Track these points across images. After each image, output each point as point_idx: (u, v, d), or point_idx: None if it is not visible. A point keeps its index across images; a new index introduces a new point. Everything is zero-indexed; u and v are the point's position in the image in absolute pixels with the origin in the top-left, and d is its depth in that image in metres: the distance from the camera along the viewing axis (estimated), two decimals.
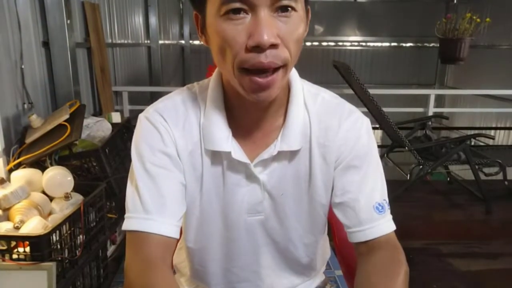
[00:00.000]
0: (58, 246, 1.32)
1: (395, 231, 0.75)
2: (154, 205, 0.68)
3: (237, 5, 0.58)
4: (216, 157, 0.73)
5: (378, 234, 0.72)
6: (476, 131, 4.32)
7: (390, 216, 0.75)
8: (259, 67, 0.60)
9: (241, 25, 0.59)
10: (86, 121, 1.95)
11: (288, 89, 0.73)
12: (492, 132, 4.83)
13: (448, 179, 3.36)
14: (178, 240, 0.73)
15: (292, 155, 0.74)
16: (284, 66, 0.62)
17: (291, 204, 0.77)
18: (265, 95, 0.63)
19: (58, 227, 1.30)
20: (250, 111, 0.71)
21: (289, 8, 0.59)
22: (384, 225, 0.73)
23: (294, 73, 0.74)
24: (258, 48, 0.58)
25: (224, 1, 0.58)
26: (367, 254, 0.72)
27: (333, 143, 0.73)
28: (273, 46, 0.59)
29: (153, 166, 0.70)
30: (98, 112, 2.85)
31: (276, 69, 0.61)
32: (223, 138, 0.71)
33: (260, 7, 0.58)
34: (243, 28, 0.59)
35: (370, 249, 0.72)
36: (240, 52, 0.60)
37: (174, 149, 0.71)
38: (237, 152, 0.71)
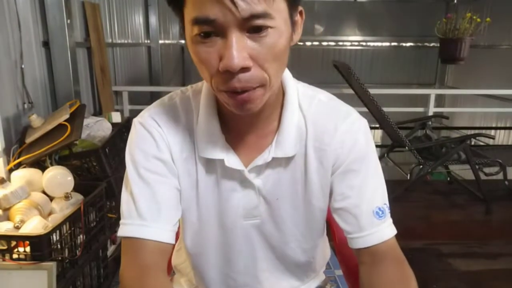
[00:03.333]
0: (58, 246, 1.32)
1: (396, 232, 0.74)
2: (149, 211, 0.68)
3: (206, 28, 0.55)
4: (210, 163, 0.72)
5: (379, 240, 0.71)
6: (476, 131, 4.31)
7: (391, 220, 0.74)
8: (234, 91, 0.58)
9: (212, 47, 0.56)
10: (86, 121, 1.95)
11: (282, 92, 0.72)
12: (492, 132, 4.83)
13: (448, 179, 3.36)
14: (174, 245, 0.73)
15: (287, 160, 0.73)
16: (263, 85, 0.59)
17: (288, 209, 0.76)
18: (248, 108, 0.61)
19: (58, 227, 1.30)
20: (242, 116, 0.69)
21: (263, 28, 0.56)
22: (384, 230, 0.72)
23: (287, 76, 0.73)
24: (229, 73, 0.56)
25: (194, 23, 0.56)
26: (372, 264, 0.71)
27: (330, 146, 0.72)
28: (245, 69, 0.56)
29: (147, 172, 0.69)
30: (98, 112, 2.86)
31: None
32: (216, 145, 0.70)
33: (229, 29, 0.54)
34: (214, 50, 0.56)
35: (374, 259, 0.71)
36: (214, 75, 0.58)
37: (169, 155, 0.71)
38: (231, 159, 0.71)
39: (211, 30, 0.55)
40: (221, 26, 0.54)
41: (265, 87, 0.60)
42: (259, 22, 0.55)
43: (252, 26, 0.55)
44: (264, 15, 0.55)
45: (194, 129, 0.72)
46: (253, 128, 0.72)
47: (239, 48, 0.55)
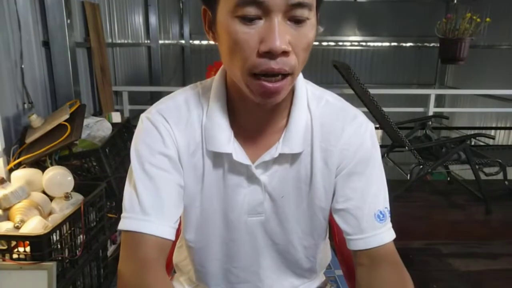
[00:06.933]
0: (59, 246, 1.32)
1: (395, 233, 0.74)
2: (152, 206, 0.68)
3: (253, 10, 0.57)
4: (218, 157, 0.72)
5: (378, 243, 0.71)
6: (476, 131, 4.31)
7: (390, 224, 0.74)
8: (270, 72, 0.59)
9: (254, 29, 0.58)
10: (86, 121, 1.95)
11: (292, 91, 0.73)
12: (492, 132, 4.83)
13: (448, 179, 3.36)
14: (173, 241, 0.73)
15: (293, 157, 0.73)
16: (292, 74, 0.62)
17: (292, 206, 0.76)
18: (272, 100, 0.63)
19: (58, 227, 1.30)
20: (252, 113, 0.71)
21: (303, 17, 0.59)
22: (384, 234, 0.72)
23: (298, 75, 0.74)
24: (270, 54, 0.58)
25: (240, 4, 0.57)
26: (370, 266, 0.71)
27: (335, 147, 0.73)
28: (284, 53, 0.58)
29: (152, 167, 0.69)
30: (98, 112, 2.86)
31: (284, 76, 0.61)
32: (224, 139, 0.70)
33: (274, 13, 0.57)
34: (255, 32, 0.58)
35: (372, 261, 0.71)
36: (251, 56, 0.59)
37: (175, 151, 0.71)
38: (239, 153, 0.71)
39: (255, 13, 0.57)
40: (267, 9, 0.57)
41: (293, 76, 0.62)
42: (301, 11, 0.59)
43: (295, 15, 0.58)
44: (307, 5, 0.59)
45: (203, 124, 0.72)
46: (263, 126, 0.72)
47: (282, 32, 0.58)
